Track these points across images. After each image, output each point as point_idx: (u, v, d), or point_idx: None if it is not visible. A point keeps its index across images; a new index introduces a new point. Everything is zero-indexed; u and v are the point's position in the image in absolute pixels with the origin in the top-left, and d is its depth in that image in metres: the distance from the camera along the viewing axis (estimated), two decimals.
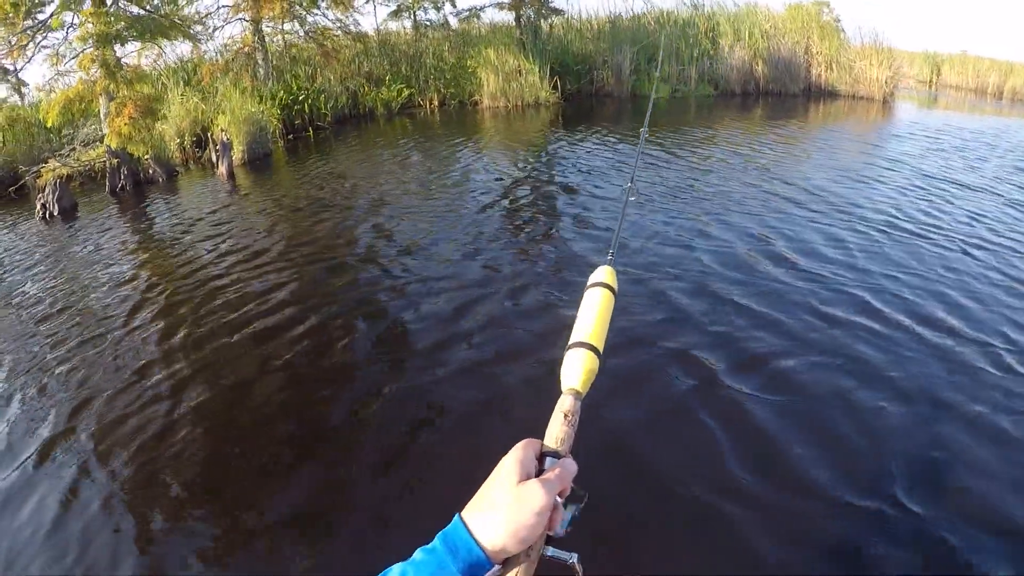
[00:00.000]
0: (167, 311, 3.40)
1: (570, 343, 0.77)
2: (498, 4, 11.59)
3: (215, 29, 9.54)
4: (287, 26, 10.34)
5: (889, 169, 6.53)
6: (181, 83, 8.55)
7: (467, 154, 7.06)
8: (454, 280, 3.70)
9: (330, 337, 3.14)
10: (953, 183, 5.99)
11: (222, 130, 6.93)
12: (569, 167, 6.44)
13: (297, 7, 9.64)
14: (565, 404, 0.69)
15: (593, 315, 0.81)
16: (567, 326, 0.81)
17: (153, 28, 6.92)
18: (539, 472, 0.60)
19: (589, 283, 0.87)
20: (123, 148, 6.18)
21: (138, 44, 7.72)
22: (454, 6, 11.99)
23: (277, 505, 2.10)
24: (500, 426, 2.47)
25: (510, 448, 0.63)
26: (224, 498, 2.16)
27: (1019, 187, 6.04)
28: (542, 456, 0.61)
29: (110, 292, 3.74)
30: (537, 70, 10.35)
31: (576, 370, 0.73)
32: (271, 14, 9.19)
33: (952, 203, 5.25)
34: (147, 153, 6.38)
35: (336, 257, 4.18)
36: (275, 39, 10.32)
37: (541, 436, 0.66)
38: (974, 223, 4.68)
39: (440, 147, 7.48)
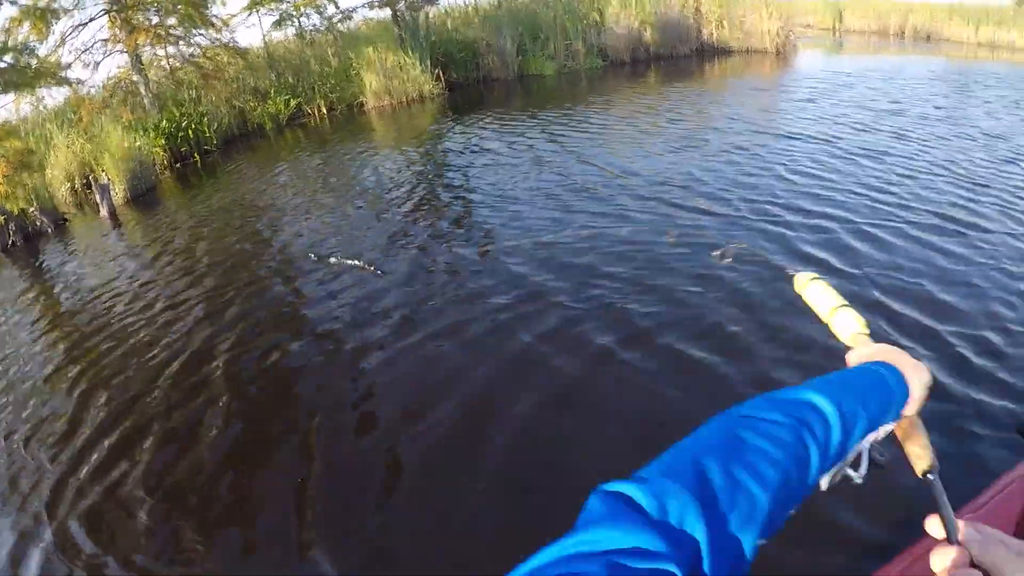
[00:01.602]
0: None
1: (838, 305, 0.84)
2: (368, 3, 11.83)
3: (96, 64, 9.62)
4: (170, 50, 10.44)
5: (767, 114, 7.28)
6: (65, 126, 8.65)
7: (359, 158, 7.45)
8: (384, 290, 3.87)
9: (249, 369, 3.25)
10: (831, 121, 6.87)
11: (102, 171, 7.16)
12: (457, 156, 6.98)
13: (171, 31, 9.76)
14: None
15: (827, 299, 0.88)
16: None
17: (17, 80, 7.06)
18: None
19: (800, 288, 0.94)
20: (2, 205, 6.39)
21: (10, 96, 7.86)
22: (337, 7, 12.14)
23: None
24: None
25: None
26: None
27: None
28: None
29: None
30: (418, 64, 10.61)
31: (851, 319, 0.82)
32: (145, 41, 9.30)
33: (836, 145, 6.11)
34: (29, 206, 6.60)
35: (226, 292, 4.23)
36: (161, 64, 10.40)
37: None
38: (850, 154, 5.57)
39: (330, 155, 7.84)
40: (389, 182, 6.29)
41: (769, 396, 0.56)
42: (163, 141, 8.46)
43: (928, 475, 0.65)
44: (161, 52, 10.38)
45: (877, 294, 3.47)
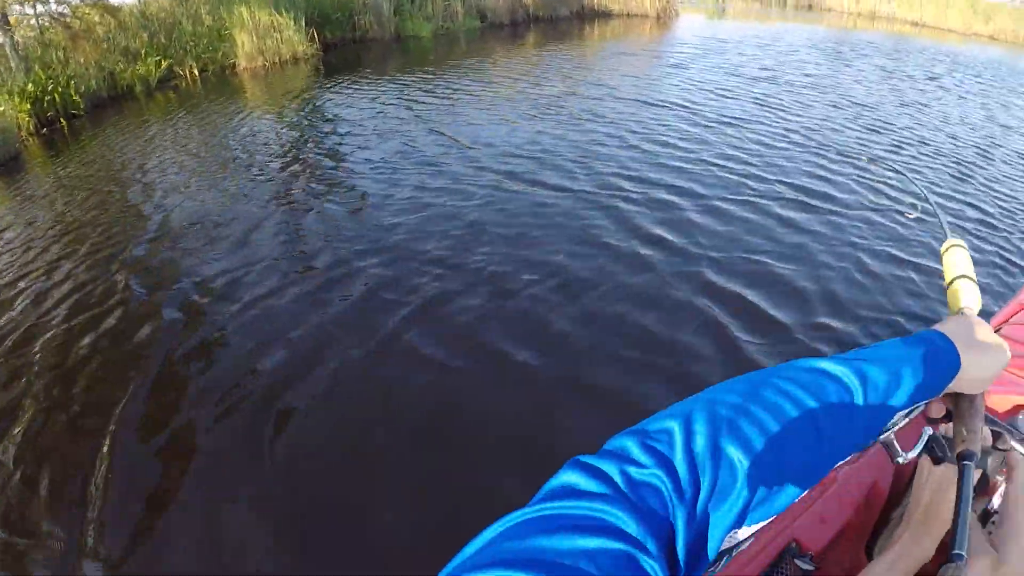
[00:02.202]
0: None
1: (958, 275, 0.84)
2: None
3: None
4: (39, 8, 10.25)
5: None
6: None
7: (227, 122, 7.87)
8: (264, 265, 3.94)
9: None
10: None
11: None
12: (323, 121, 7.47)
13: None
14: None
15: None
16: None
17: None
18: None
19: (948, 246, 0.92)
20: None
21: None
22: None
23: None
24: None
25: None
26: None
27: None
28: None
29: None
30: (292, 23, 10.88)
31: (962, 292, 0.81)
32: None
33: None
34: None
35: (89, 261, 4.22)
36: (31, 23, 10.24)
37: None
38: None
39: (199, 118, 8.27)
40: (255, 148, 6.69)
41: (782, 366, 0.54)
42: (28, 106, 8.59)
43: (963, 460, 0.66)
44: (31, 10, 10.21)
45: (711, 271, 3.59)
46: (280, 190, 5.35)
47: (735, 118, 7.00)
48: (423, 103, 8.00)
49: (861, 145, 6.33)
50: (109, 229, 4.88)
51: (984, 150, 6.59)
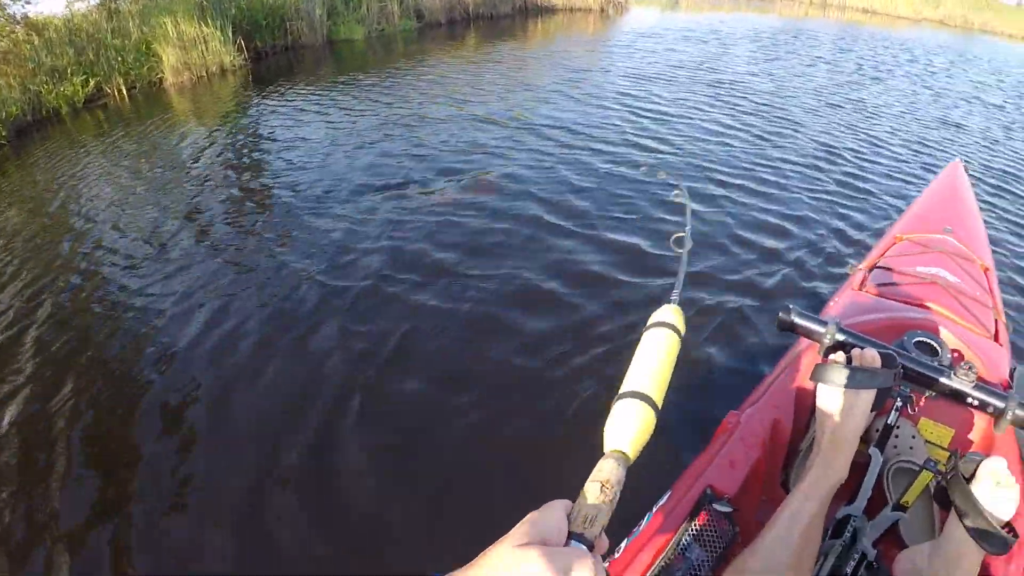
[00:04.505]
0: None
1: (621, 392, 0.70)
2: None
3: None
4: None
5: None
6: None
7: (157, 140, 7.88)
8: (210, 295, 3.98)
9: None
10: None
11: None
12: (258, 132, 7.56)
13: None
14: (604, 470, 0.60)
15: (656, 360, 0.72)
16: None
17: None
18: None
19: (651, 322, 0.82)
20: None
21: None
22: None
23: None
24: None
25: None
26: None
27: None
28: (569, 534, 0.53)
29: None
30: (218, 33, 10.73)
31: (627, 427, 0.65)
32: None
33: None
34: None
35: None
36: None
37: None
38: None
39: (128, 138, 8.30)
40: (186, 168, 6.69)
41: None
42: None
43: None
44: None
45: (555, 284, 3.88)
46: (214, 209, 5.44)
47: (651, 116, 7.45)
48: (356, 111, 8.19)
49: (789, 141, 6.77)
50: (39, 259, 4.88)
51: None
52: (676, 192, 1.56)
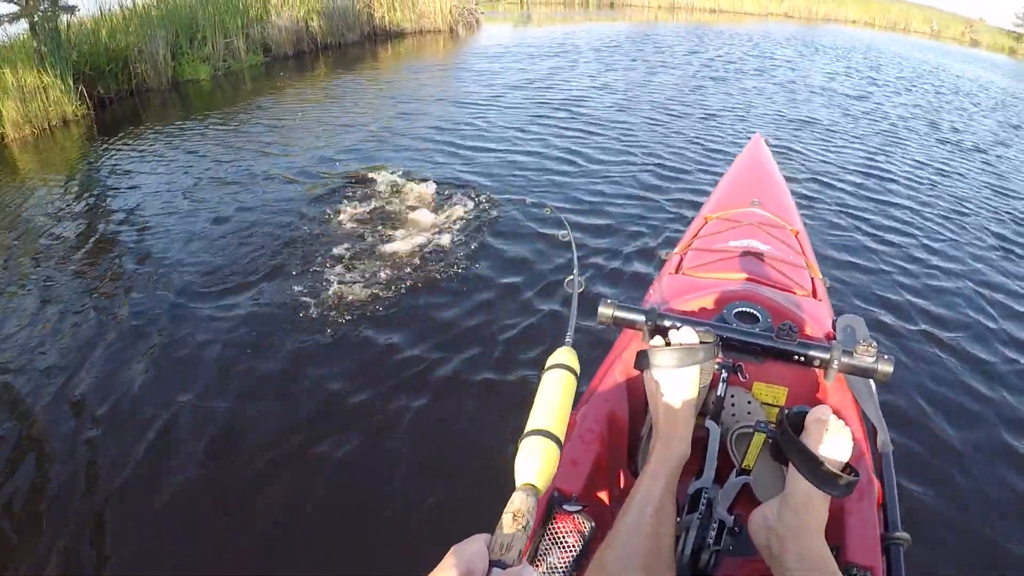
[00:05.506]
0: None
1: (527, 430, 0.77)
2: (8, 17, 11.49)
3: None
4: None
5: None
6: None
7: (11, 200, 7.31)
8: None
9: None
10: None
11: None
12: (109, 185, 7.50)
13: None
14: (516, 501, 0.67)
15: (555, 399, 0.82)
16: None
17: None
18: None
19: (548, 365, 0.90)
20: None
21: None
22: None
23: None
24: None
25: None
26: None
27: None
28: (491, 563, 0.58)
29: None
30: (59, 82, 10.48)
31: (534, 462, 0.73)
32: None
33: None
34: None
35: None
36: None
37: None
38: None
39: None
40: (35, 231, 6.30)
41: None
42: None
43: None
44: None
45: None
46: (57, 279, 5.17)
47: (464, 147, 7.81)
48: (203, 155, 8.38)
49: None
50: None
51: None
52: (563, 233, 1.67)
